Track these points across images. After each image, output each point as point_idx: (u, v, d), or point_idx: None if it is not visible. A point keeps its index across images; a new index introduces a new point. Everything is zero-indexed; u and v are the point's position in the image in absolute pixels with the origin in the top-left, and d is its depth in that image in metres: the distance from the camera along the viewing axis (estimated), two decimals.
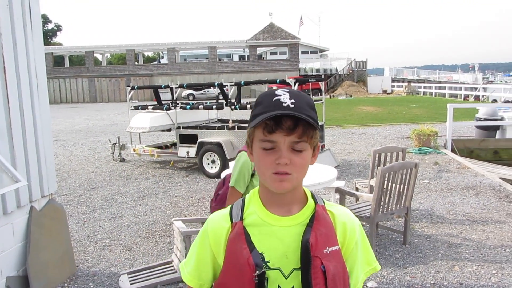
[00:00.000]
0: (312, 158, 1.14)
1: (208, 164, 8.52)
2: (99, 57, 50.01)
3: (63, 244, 4.24)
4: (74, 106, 37.33)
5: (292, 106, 1.04)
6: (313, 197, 1.18)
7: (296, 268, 1.08)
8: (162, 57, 56.95)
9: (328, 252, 1.09)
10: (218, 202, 2.83)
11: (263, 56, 50.25)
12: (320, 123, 9.28)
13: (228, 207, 1.20)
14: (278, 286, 1.09)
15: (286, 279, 1.09)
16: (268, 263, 1.08)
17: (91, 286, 3.99)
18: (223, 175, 2.74)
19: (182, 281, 3.97)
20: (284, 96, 1.06)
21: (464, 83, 36.18)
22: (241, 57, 51.92)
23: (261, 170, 1.10)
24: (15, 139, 3.70)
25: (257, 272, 1.06)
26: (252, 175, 2.53)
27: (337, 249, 1.11)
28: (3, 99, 3.58)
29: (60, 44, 57.37)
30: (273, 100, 1.06)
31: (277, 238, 1.10)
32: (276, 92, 1.08)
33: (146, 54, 59.77)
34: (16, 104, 3.72)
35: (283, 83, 8.63)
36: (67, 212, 6.20)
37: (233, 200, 2.26)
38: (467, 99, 28.57)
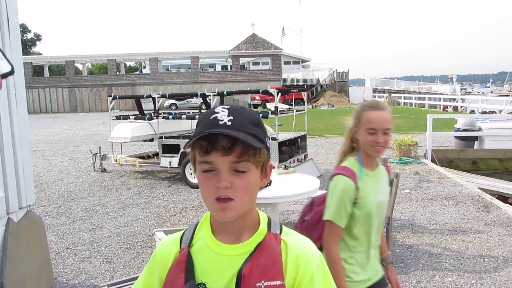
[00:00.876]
0: (263, 179, 1.05)
1: (191, 174, 8.47)
2: (80, 66, 49.52)
3: (41, 256, 4.15)
4: (54, 116, 36.82)
5: (229, 123, 0.96)
6: (269, 223, 1.07)
7: None
8: (144, 67, 56.71)
9: (262, 286, 0.97)
10: (304, 230, 2.29)
11: (245, 66, 50.48)
12: (302, 133, 9.35)
13: (181, 231, 1.13)
14: None
15: None
16: None
17: None
18: (310, 195, 2.09)
19: None
20: (222, 114, 0.98)
21: (443, 94, 36.92)
22: (224, 67, 52.06)
23: (203, 195, 1.01)
24: None
25: None
26: (354, 203, 1.99)
27: (277, 284, 0.98)
28: None
29: (40, 54, 56.61)
30: (211, 118, 0.98)
31: (221, 268, 1.01)
32: (215, 110, 1.00)
33: (128, 63, 59.42)
34: None
35: (266, 93, 8.67)
36: (46, 223, 6.08)
37: (332, 237, 1.98)
38: (446, 109, 29.12)
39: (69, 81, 43.35)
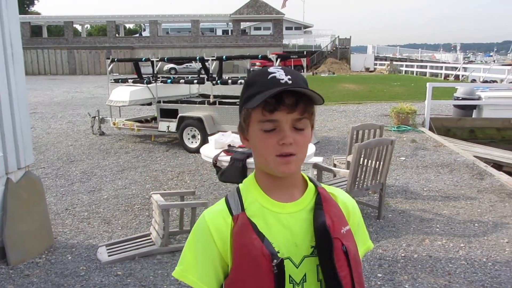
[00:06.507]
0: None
1: (189, 139, 8.52)
2: (79, 28, 48.81)
3: (41, 216, 4.24)
4: (53, 78, 36.52)
5: (290, 82, 0.98)
6: (311, 180, 1.13)
7: (307, 255, 1.04)
8: (144, 30, 55.83)
9: (344, 232, 1.06)
10: None
11: (246, 31, 49.70)
12: None
13: (221, 202, 1.10)
14: (289, 276, 1.02)
15: (297, 268, 1.03)
16: (278, 253, 1.01)
17: (69, 258, 4.02)
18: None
19: (159, 254, 4.03)
20: (279, 73, 1.00)
21: (445, 63, 36.51)
22: (225, 32, 51.27)
23: (262, 154, 1.03)
24: None
25: (275, 261, 0.98)
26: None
27: (349, 228, 1.08)
28: None
29: (38, 14, 55.61)
30: (269, 78, 1.00)
31: (284, 226, 1.04)
32: (269, 70, 1.02)
33: (127, 26, 58.54)
34: None
35: (265, 58, 8.60)
36: (46, 185, 6.17)
37: None
38: (448, 78, 28.88)
39: (67, 43, 42.77)
